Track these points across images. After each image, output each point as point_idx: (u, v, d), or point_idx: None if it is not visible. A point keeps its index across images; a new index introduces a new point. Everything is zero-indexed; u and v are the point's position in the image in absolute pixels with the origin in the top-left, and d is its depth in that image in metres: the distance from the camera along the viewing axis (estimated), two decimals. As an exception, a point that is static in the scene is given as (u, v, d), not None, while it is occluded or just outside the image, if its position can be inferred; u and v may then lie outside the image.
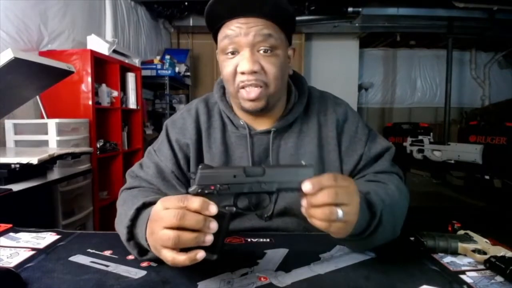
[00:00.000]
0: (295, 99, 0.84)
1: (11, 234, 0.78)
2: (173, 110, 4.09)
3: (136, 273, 0.60)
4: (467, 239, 0.70)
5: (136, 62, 3.04)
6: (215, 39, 0.78)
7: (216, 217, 0.50)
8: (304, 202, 0.53)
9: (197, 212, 0.49)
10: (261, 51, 0.72)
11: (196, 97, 0.93)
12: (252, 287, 0.55)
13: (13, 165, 1.37)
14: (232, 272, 0.60)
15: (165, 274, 0.59)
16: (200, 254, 0.49)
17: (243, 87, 0.73)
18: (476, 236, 0.71)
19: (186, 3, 3.93)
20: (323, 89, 0.91)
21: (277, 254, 0.68)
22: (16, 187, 1.32)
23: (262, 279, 0.58)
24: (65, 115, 2.15)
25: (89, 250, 0.69)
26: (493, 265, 0.60)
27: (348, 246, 0.69)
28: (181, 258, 0.49)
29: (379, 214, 0.60)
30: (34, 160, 1.41)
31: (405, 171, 3.26)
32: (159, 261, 0.58)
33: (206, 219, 0.49)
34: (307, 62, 5.41)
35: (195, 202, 0.49)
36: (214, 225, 0.50)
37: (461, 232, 0.74)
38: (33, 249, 0.70)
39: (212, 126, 0.84)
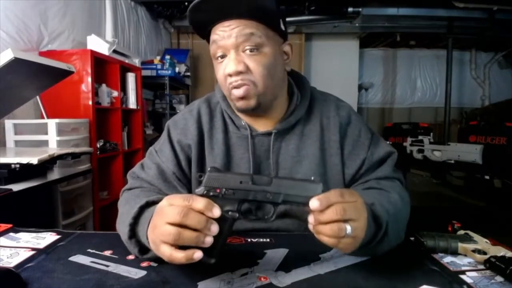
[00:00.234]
0: (297, 101, 0.83)
1: (11, 234, 0.78)
2: (173, 110, 4.09)
3: (136, 273, 0.60)
4: (467, 239, 0.70)
5: (136, 62, 3.04)
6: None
7: (219, 220, 0.51)
8: (311, 219, 0.53)
9: (200, 212, 0.50)
10: (247, 51, 0.71)
11: (196, 97, 0.93)
12: (252, 287, 0.55)
13: (13, 165, 1.37)
14: (232, 272, 0.60)
15: (165, 274, 0.59)
16: (197, 254, 0.49)
17: (233, 88, 0.73)
18: (476, 236, 0.71)
19: (186, 3, 3.92)
20: (323, 89, 0.91)
21: (277, 254, 0.68)
22: (16, 187, 1.32)
23: (262, 279, 0.58)
24: (65, 115, 2.15)
25: (89, 250, 0.69)
26: (493, 265, 0.60)
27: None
28: (179, 255, 0.49)
29: (384, 226, 0.59)
30: (34, 160, 1.41)
31: (405, 171, 3.26)
32: (159, 261, 0.58)
33: (208, 220, 0.50)
34: (307, 62, 5.41)
35: (200, 202, 0.50)
36: (215, 228, 0.50)
37: (461, 232, 0.74)
38: (33, 249, 0.70)
39: (214, 127, 0.84)
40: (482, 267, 0.63)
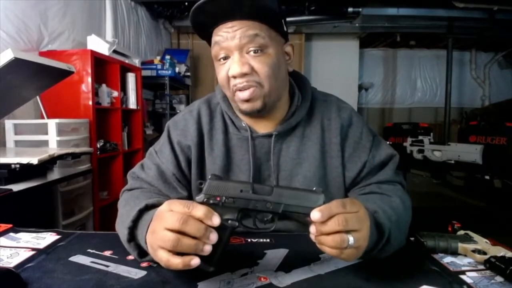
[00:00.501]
0: (298, 102, 0.82)
1: (11, 234, 0.78)
2: (173, 110, 4.09)
3: (136, 273, 0.60)
4: (467, 239, 0.70)
5: (136, 62, 3.04)
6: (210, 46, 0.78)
7: (218, 229, 0.51)
8: (313, 229, 0.53)
9: (200, 220, 0.50)
10: (251, 52, 0.71)
11: (196, 97, 0.93)
12: (252, 287, 0.55)
13: (13, 165, 1.37)
14: (232, 272, 0.60)
15: (165, 274, 0.59)
16: (195, 261, 0.49)
17: (237, 90, 0.73)
18: (476, 236, 0.71)
19: (186, 3, 3.92)
20: (323, 89, 0.90)
21: (277, 254, 0.68)
22: (16, 187, 1.32)
23: (262, 279, 0.58)
24: (65, 115, 2.15)
25: (89, 250, 0.69)
26: (493, 265, 0.60)
27: None
28: (176, 261, 0.49)
29: (387, 234, 0.59)
30: (34, 160, 1.41)
31: (405, 171, 3.27)
32: (159, 261, 0.58)
33: (208, 229, 0.50)
34: (307, 62, 5.41)
35: (200, 210, 0.50)
36: (214, 237, 0.50)
37: (461, 232, 0.74)
38: (33, 249, 0.70)
39: (214, 128, 0.83)
40: (482, 267, 0.63)
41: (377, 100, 6.45)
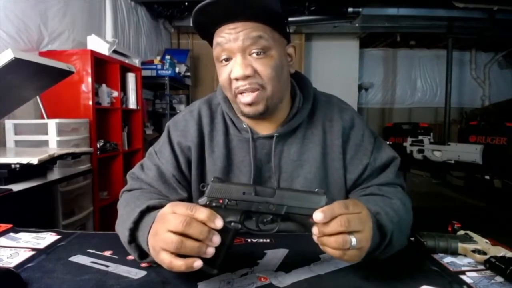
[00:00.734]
0: (300, 104, 0.82)
1: (11, 234, 0.78)
2: (173, 110, 4.09)
3: (136, 274, 0.60)
4: (467, 239, 0.70)
5: (136, 62, 3.04)
6: (212, 46, 0.76)
7: (221, 231, 0.51)
8: (315, 230, 0.52)
9: (203, 223, 0.50)
10: (254, 54, 0.70)
11: (196, 97, 0.93)
12: (252, 287, 0.55)
13: (13, 165, 1.37)
14: (232, 273, 0.60)
15: (165, 274, 0.59)
16: (197, 263, 0.49)
17: (239, 93, 0.72)
18: (476, 237, 0.71)
19: (186, 3, 3.93)
20: (323, 89, 0.90)
21: (277, 255, 0.68)
22: (16, 187, 1.32)
23: (262, 279, 0.58)
24: (65, 115, 2.15)
25: (89, 250, 0.69)
26: (493, 265, 0.60)
27: None
28: (178, 263, 0.49)
29: (389, 236, 0.59)
30: (34, 160, 1.41)
31: (405, 171, 3.27)
32: (159, 262, 0.58)
33: (210, 231, 0.50)
34: (307, 62, 5.41)
35: (203, 212, 0.50)
36: (217, 239, 0.50)
37: (461, 232, 0.74)
38: (33, 249, 0.70)
39: (215, 129, 0.83)
40: (482, 267, 0.63)
41: (377, 100, 6.45)
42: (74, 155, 1.77)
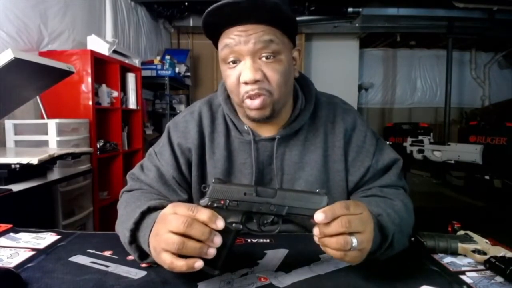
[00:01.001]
0: (302, 105, 0.81)
1: (11, 234, 0.78)
2: (173, 110, 4.09)
3: (136, 274, 0.60)
4: (467, 239, 0.70)
5: (136, 62, 3.04)
6: (216, 46, 0.75)
7: (222, 232, 0.51)
8: (316, 231, 0.52)
9: (204, 223, 0.50)
10: (263, 58, 0.69)
11: (196, 98, 0.92)
12: (252, 287, 0.55)
13: (13, 165, 1.37)
14: (232, 273, 0.60)
15: (165, 274, 0.59)
16: (198, 263, 0.49)
17: (248, 97, 0.71)
18: (476, 237, 0.71)
19: (186, 4, 3.93)
20: (323, 89, 0.89)
21: (277, 255, 0.68)
22: (16, 187, 1.32)
23: (262, 279, 0.58)
24: (65, 115, 2.15)
25: (89, 250, 0.69)
26: (493, 265, 0.60)
27: None
28: (180, 264, 0.49)
29: (390, 237, 0.59)
30: (34, 160, 1.41)
31: (405, 171, 3.26)
32: (159, 262, 0.58)
33: (212, 232, 0.50)
34: (307, 62, 5.41)
35: (204, 213, 0.50)
36: (218, 240, 0.50)
37: (461, 232, 0.74)
38: (33, 249, 0.70)
39: (216, 130, 0.82)
40: (482, 267, 0.63)
41: (377, 100, 6.44)
42: (74, 155, 1.77)
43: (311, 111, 0.81)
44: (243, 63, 0.69)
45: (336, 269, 0.62)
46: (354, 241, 0.50)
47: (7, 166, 1.37)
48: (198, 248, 0.49)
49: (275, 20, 0.68)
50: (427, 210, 3.45)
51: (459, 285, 0.56)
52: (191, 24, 4.52)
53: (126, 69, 2.85)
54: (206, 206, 0.54)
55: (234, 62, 0.70)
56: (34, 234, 0.78)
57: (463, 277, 0.60)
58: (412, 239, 0.72)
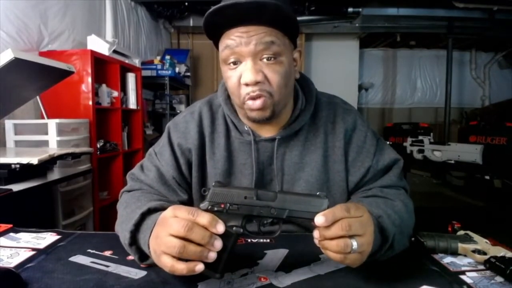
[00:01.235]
0: (302, 106, 0.81)
1: (11, 234, 0.78)
2: (173, 110, 4.09)
3: (136, 274, 0.60)
4: (467, 239, 0.70)
5: (136, 62, 3.04)
6: (216, 46, 0.75)
7: (223, 236, 0.51)
8: (316, 234, 0.53)
9: (204, 227, 0.50)
10: (264, 59, 0.69)
11: (196, 98, 0.92)
12: (252, 287, 0.55)
13: (13, 165, 1.37)
14: (232, 273, 0.60)
15: (165, 274, 0.59)
16: (199, 267, 0.49)
17: (249, 99, 0.70)
18: (476, 237, 0.71)
19: (186, 4, 3.93)
20: (323, 89, 0.89)
21: (277, 255, 0.68)
22: (16, 187, 1.32)
23: (262, 279, 0.58)
24: (65, 115, 2.15)
25: (89, 250, 0.69)
26: (493, 265, 0.60)
27: None
28: (180, 267, 0.49)
29: (391, 239, 0.59)
30: (34, 160, 1.41)
31: (405, 171, 3.26)
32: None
33: (212, 236, 0.50)
34: (307, 62, 5.41)
35: (204, 217, 0.50)
36: (218, 244, 0.50)
37: (461, 232, 0.74)
38: (33, 249, 0.70)
39: (216, 131, 0.82)
40: (482, 267, 0.63)
41: (377, 100, 6.44)
42: (74, 155, 1.77)
43: (312, 111, 0.81)
44: (244, 64, 0.69)
45: (336, 269, 0.62)
46: (354, 244, 0.51)
47: (7, 166, 1.37)
48: (198, 252, 0.49)
49: (276, 21, 0.68)
50: (427, 210, 3.45)
51: (459, 285, 0.56)
52: (191, 24, 4.52)
53: (126, 69, 2.85)
54: (207, 210, 0.54)
55: (234, 63, 0.70)
56: (34, 234, 0.78)
57: (463, 277, 0.60)
58: (412, 239, 0.72)
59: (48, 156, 1.52)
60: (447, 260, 0.67)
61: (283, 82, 0.71)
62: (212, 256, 0.50)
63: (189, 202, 0.82)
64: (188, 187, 0.82)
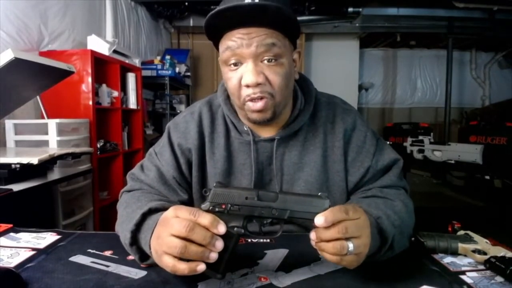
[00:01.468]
0: (301, 106, 0.81)
1: (12, 234, 0.78)
2: (173, 110, 4.09)
3: (136, 274, 0.60)
4: (467, 239, 0.70)
5: (136, 62, 3.04)
6: (216, 47, 0.75)
7: (224, 236, 0.51)
8: (313, 236, 0.53)
9: (206, 228, 0.50)
10: (265, 61, 0.69)
11: (196, 97, 0.92)
12: (252, 287, 0.55)
13: (13, 165, 1.37)
14: (232, 273, 0.60)
15: (165, 274, 0.59)
16: (201, 267, 0.50)
17: (250, 100, 0.70)
18: (476, 237, 0.71)
19: (186, 3, 3.93)
20: (323, 89, 0.89)
21: (277, 255, 0.68)
22: (16, 187, 1.32)
23: (262, 279, 0.58)
24: (65, 115, 2.15)
25: (89, 250, 0.69)
26: (493, 265, 0.60)
27: None
28: (182, 267, 0.50)
29: (390, 240, 0.59)
30: (35, 160, 1.41)
31: (405, 171, 3.26)
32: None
33: (213, 236, 0.50)
34: (307, 62, 5.41)
35: (205, 218, 0.50)
36: (219, 244, 0.50)
37: (461, 232, 0.74)
38: (33, 249, 0.70)
39: (216, 131, 0.83)
40: (482, 267, 0.63)
41: (377, 100, 6.44)
42: (74, 155, 1.77)
43: (311, 111, 0.81)
44: (245, 66, 0.69)
45: (336, 269, 0.62)
46: (350, 246, 0.51)
47: (7, 166, 1.37)
48: (200, 253, 0.49)
49: (277, 23, 0.68)
50: (427, 210, 3.45)
51: (459, 285, 0.56)
52: (191, 24, 4.52)
53: (126, 69, 2.85)
54: (208, 211, 0.54)
55: (235, 64, 0.70)
56: (34, 234, 0.78)
57: (463, 277, 0.60)
58: (412, 239, 0.72)
59: (48, 156, 1.52)
60: (447, 260, 0.67)
61: (284, 83, 0.71)
62: (213, 256, 0.50)
63: (189, 202, 0.82)
64: (188, 187, 0.82)
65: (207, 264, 0.50)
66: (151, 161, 0.83)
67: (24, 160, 1.40)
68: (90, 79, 2.23)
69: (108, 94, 2.54)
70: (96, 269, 0.61)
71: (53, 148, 1.91)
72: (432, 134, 3.62)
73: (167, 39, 4.86)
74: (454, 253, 0.68)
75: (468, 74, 6.33)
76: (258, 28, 0.67)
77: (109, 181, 2.72)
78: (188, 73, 4.40)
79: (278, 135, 0.79)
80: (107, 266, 0.63)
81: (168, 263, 0.50)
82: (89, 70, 2.22)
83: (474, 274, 0.61)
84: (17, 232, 0.79)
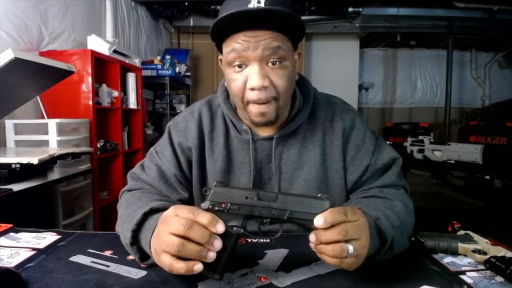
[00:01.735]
0: (299, 105, 0.81)
1: (12, 234, 0.78)
2: (173, 110, 4.09)
3: (136, 273, 0.60)
4: (467, 239, 0.70)
5: (137, 62, 3.04)
6: (219, 48, 0.75)
7: (223, 236, 0.51)
8: (312, 238, 0.53)
9: (204, 226, 0.50)
10: (270, 64, 0.69)
11: (196, 97, 0.92)
12: (252, 287, 0.55)
13: (13, 165, 1.38)
14: (232, 273, 0.60)
15: (165, 274, 0.59)
16: (198, 266, 0.49)
17: (254, 103, 0.70)
18: (476, 237, 0.71)
19: (186, 3, 3.93)
20: (323, 89, 0.90)
21: (277, 255, 0.68)
22: (16, 187, 1.32)
23: (262, 279, 0.58)
24: (65, 115, 2.15)
25: (89, 250, 0.69)
26: (493, 265, 0.60)
27: None
28: (179, 266, 0.50)
29: (389, 241, 0.59)
30: (35, 160, 1.41)
31: (405, 171, 3.27)
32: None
33: (212, 235, 0.50)
34: (307, 62, 5.41)
35: (205, 217, 0.50)
36: (218, 244, 0.50)
37: (461, 232, 0.74)
38: (33, 249, 0.70)
39: (215, 130, 0.83)
40: (482, 267, 0.63)
41: (377, 100, 6.44)
42: (74, 155, 1.77)
43: (309, 110, 0.82)
44: (250, 68, 0.69)
45: (336, 269, 0.62)
46: (350, 248, 0.51)
47: (7, 165, 1.37)
48: (197, 251, 0.49)
49: (285, 27, 0.68)
50: (427, 210, 3.45)
51: (459, 285, 0.56)
52: (191, 24, 4.52)
53: (126, 69, 2.85)
54: (207, 210, 0.54)
55: (240, 66, 0.70)
56: (34, 234, 0.78)
57: (463, 277, 0.60)
58: (412, 239, 0.72)
59: (48, 156, 1.52)
60: (447, 260, 0.67)
61: (288, 85, 0.71)
62: (211, 255, 0.50)
63: (189, 201, 0.82)
64: (188, 185, 0.83)
65: (205, 264, 0.50)
66: (152, 160, 0.83)
67: (24, 160, 1.40)
68: (90, 79, 2.23)
69: (108, 94, 2.54)
70: (96, 269, 0.61)
71: (53, 148, 1.91)
72: (432, 134, 3.63)
73: (167, 39, 4.86)
74: (454, 253, 0.68)
75: (468, 74, 6.33)
76: (264, 31, 0.67)
77: (109, 181, 2.72)
78: (188, 73, 4.40)
79: (276, 133, 0.79)
80: (107, 266, 0.63)
81: (166, 261, 0.50)
82: (89, 70, 2.23)
83: (474, 274, 0.61)
84: (17, 232, 0.79)
